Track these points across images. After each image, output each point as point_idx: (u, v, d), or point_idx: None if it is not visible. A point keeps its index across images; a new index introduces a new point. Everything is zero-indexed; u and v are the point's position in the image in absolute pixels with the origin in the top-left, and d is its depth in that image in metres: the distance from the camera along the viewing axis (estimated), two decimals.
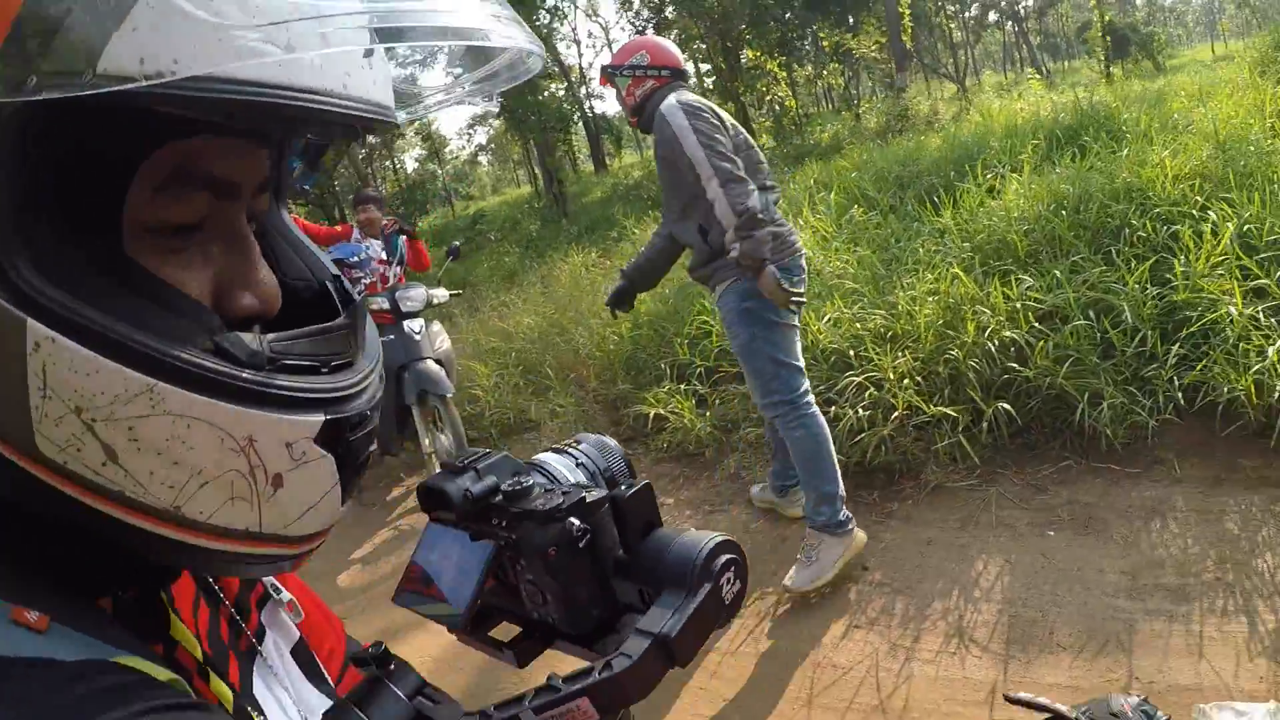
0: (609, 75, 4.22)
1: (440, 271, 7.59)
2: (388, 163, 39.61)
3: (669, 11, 28.17)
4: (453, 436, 6.23)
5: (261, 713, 0.78)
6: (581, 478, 0.99)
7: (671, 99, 3.88)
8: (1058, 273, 5.10)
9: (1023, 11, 54.22)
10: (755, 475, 5.16)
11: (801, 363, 4.00)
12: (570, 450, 1.02)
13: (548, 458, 1.01)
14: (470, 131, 71.78)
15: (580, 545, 0.86)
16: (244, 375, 0.62)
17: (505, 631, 0.97)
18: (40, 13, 0.49)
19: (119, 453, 0.58)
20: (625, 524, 0.94)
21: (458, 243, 8.14)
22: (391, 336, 6.48)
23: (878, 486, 4.67)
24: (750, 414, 5.52)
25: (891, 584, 3.95)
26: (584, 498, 0.90)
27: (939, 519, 4.27)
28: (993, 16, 58.65)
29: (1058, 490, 4.21)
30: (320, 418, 0.66)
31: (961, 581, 3.80)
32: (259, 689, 0.81)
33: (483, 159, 70.04)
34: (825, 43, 26.39)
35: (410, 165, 54.82)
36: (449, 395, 6.30)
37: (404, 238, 7.30)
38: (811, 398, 3.99)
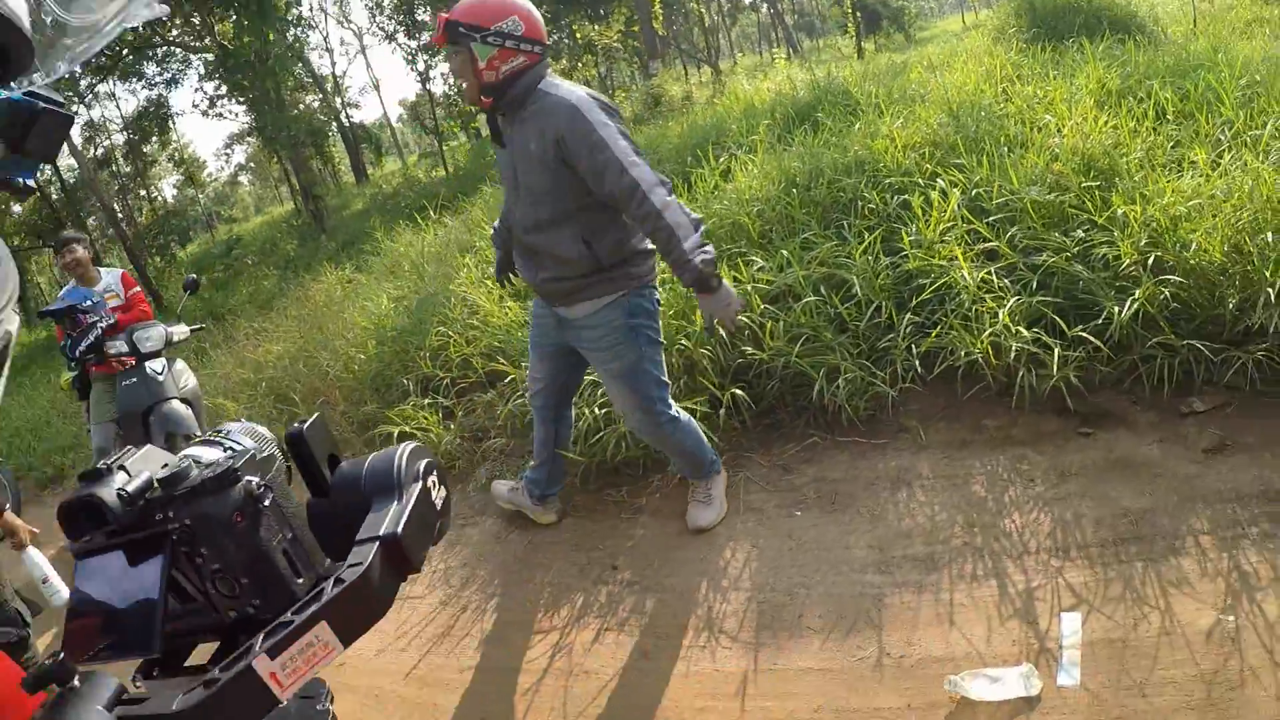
0: (463, 35, 3.33)
1: (179, 307, 7.18)
2: (142, 192, 37.86)
3: (421, 14, 27.84)
4: None
5: None
6: None
7: (579, 90, 3.39)
8: (786, 252, 5.02)
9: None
10: (509, 478, 4.97)
11: None
12: (217, 440, 0.96)
13: (195, 450, 0.94)
14: (228, 151, 69.54)
15: (265, 504, 0.82)
16: None
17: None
18: None
19: None
20: (312, 458, 0.93)
21: (194, 275, 7.78)
22: (134, 379, 6.23)
23: (625, 483, 4.51)
24: (497, 421, 5.35)
25: (641, 582, 3.80)
26: (253, 454, 0.86)
27: (686, 510, 4.11)
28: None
29: (804, 469, 4.13)
30: None
31: (710, 572, 3.67)
32: None
33: (243, 179, 67.81)
34: (578, 35, 26.49)
35: (169, 193, 52.91)
36: (195, 434, 5.91)
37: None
38: None
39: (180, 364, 6.62)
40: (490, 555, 4.46)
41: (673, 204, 3.25)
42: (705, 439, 3.95)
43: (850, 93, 8.39)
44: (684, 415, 3.85)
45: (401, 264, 9.28)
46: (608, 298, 3.55)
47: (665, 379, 3.75)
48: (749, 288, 4.82)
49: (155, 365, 6.24)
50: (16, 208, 29.62)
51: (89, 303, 6.35)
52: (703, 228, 3.30)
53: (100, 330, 6.28)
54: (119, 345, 6.22)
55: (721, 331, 3.51)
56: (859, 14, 29.88)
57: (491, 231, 4.23)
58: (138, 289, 7.13)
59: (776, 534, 3.78)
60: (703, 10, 41.55)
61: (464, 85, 3.46)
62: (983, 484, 3.69)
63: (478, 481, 5.18)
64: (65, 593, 4.38)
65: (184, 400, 6.29)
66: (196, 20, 20.40)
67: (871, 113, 7.20)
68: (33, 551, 4.36)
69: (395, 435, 5.72)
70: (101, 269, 6.95)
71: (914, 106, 7.03)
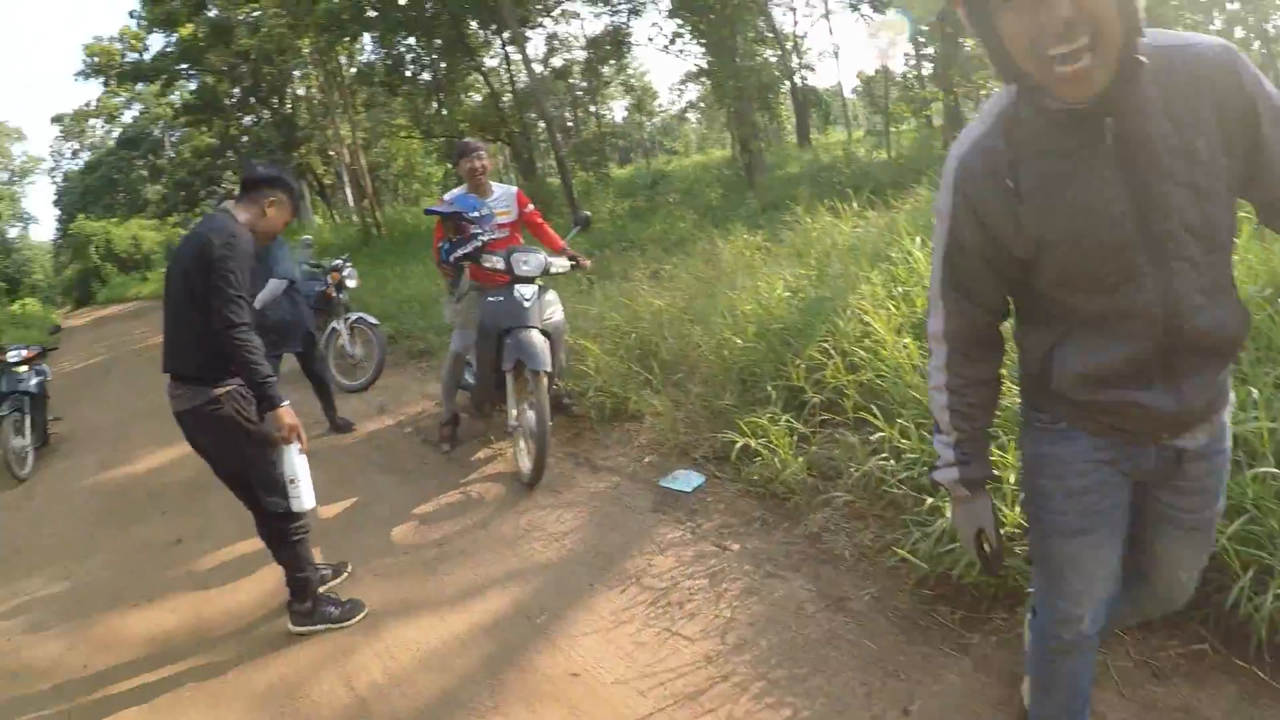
0: None
1: (567, 239, 7.09)
2: (592, 109, 39.25)
3: None
4: (537, 415, 5.89)
5: None
6: None
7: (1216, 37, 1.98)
8: (1255, 388, 3.66)
9: (1273, 31, 51.12)
10: (840, 541, 4.50)
11: None
12: None
13: None
14: (681, 88, 71.52)
15: None
16: None
17: None
18: None
19: None
20: None
21: (586, 213, 7.84)
22: (500, 299, 6.31)
23: (963, 606, 3.83)
24: (852, 474, 4.80)
25: None
26: None
27: (1022, 672, 3.30)
28: (1239, 33, 55.47)
29: (1176, 685, 3.21)
30: None
31: None
32: None
33: (691, 116, 69.79)
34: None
35: (620, 115, 55.32)
36: (543, 370, 5.92)
37: None
38: None
39: (551, 295, 6.62)
40: (781, 626, 3.97)
41: None
42: None
43: None
44: None
45: (810, 250, 8.81)
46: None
47: None
48: None
49: (525, 290, 6.26)
50: (477, 96, 31.48)
51: (476, 213, 6.38)
52: None
53: (481, 242, 6.31)
54: (495, 261, 6.26)
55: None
56: None
57: (941, 402, 2.40)
58: (532, 208, 7.14)
59: None
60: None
61: (1096, 50, 1.75)
62: None
63: (808, 528, 4.71)
64: (309, 501, 4.43)
65: (544, 332, 6.24)
66: None
67: None
68: (294, 452, 4.38)
69: (736, 448, 5.34)
70: (495, 184, 7.01)
71: None
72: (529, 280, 6.35)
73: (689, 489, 5.49)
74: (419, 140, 33.10)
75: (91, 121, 66.90)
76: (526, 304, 6.22)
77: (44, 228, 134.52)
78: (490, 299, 6.38)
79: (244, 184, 4.61)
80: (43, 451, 10.90)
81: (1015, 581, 3.70)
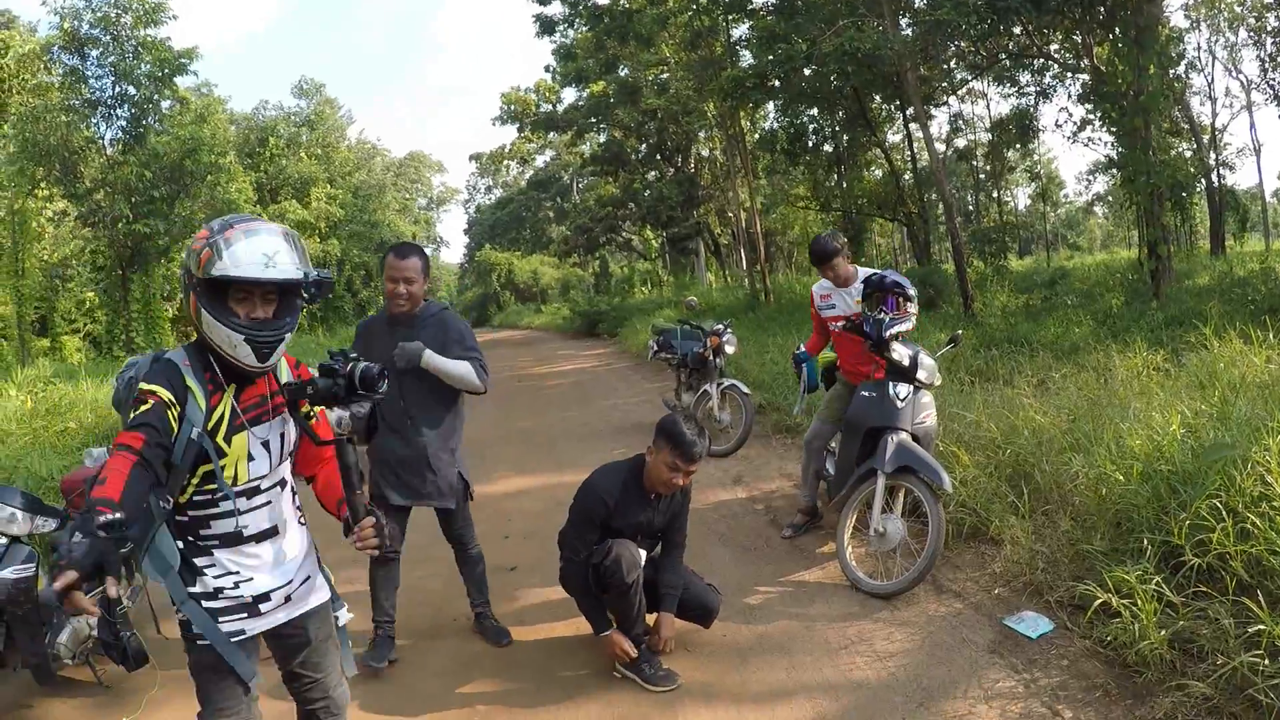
0: None
1: (936, 357, 6.84)
2: (994, 194, 38.17)
3: None
4: (932, 531, 5.78)
5: None
6: None
7: None
8: None
9: None
10: None
11: None
12: None
13: None
14: (1089, 178, 68.11)
15: None
16: None
17: None
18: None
19: None
20: None
21: (959, 332, 8.00)
22: (873, 394, 6.26)
23: None
24: (1219, 667, 4.18)
25: None
26: None
27: None
28: None
29: None
30: None
31: None
32: None
33: (1098, 210, 66.60)
34: None
35: (1023, 203, 54.11)
36: (942, 487, 5.89)
37: None
38: None
39: (927, 398, 6.45)
40: None
41: None
42: None
43: None
44: None
45: (1215, 382, 7.80)
46: None
47: None
48: None
49: (901, 389, 6.15)
50: (878, 171, 31.90)
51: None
52: None
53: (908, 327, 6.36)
54: (903, 353, 6.20)
55: None
56: None
57: None
58: None
59: None
60: None
61: None
62: None
63: (1153, 712, 4.20)
64: None
65: (913, 437, 6.11)
66: (1078, 38, 20.00)
67: None
68: None
69: (1095, 603, 4.88)
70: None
71: None
72: (908, 377, 6.21)
73: (1034, 635, 5.10)
74: (816, 211, 33.46)
75: (506, 162, 72.64)
76: (901, 404, 6.10)
77: (453, 251, 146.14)
78: (863, 393, 6.29)
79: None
80: None
81: None
